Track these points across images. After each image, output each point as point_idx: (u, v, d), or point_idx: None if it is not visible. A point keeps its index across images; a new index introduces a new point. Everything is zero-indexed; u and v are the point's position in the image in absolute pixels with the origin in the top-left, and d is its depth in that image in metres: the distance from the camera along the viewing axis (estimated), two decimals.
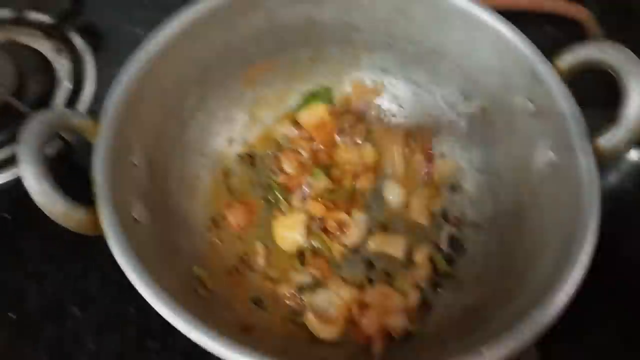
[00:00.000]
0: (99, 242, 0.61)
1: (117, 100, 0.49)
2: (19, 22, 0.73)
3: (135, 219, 0.48)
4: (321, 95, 0.66)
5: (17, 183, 0.64)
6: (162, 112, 0.55)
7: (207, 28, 0.56)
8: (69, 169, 0.67)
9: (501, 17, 0.54)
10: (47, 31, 0.75)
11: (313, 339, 0.53)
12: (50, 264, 0.61)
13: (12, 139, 0.67)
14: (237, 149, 0.64)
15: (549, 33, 0.80)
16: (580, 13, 0.80)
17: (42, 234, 0.63)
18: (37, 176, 0.43)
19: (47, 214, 0.44)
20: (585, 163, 0.48)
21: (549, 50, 0.53)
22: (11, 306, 0.59)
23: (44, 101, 0.70)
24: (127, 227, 0.45)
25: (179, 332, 0.41)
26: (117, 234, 0.44)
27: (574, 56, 0.51)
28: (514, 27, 0.54)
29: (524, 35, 0.53)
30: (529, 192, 0.53)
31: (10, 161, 0.66)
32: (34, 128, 0.45)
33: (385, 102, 0.67)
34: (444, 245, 0.59)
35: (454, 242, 0.58)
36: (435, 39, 0.59)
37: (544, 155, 0.52)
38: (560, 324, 0.42)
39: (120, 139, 0.49)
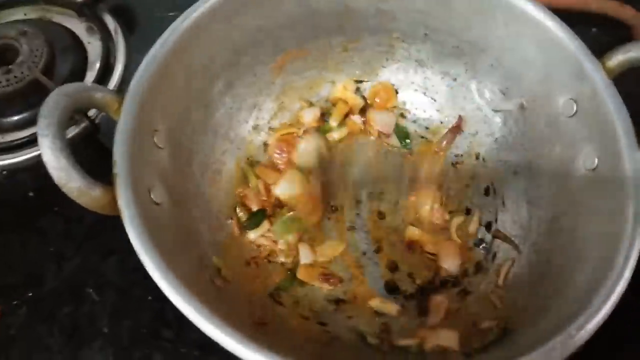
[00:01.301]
0: (119, 226, 0.61)
1: (142, 78, 0.48)
2: (53, 0, 0.73)
3: (155, 202, 0.47)
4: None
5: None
6: (189, 94, 0.54)
7: (240, 11, 0.55)
8: (95, 149, 0.66)
9: (548, 11, 0.51)
10: (79, 10, 0.74)
11: (330, 338, 0.51)
12: (71, 246, 0.60)
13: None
14: (263, 136, 0.63)
15: (595, 35, 0.76)
16: (628, 13, 0.76)
17: (64, 215, 0.62)
18: (54, 150, 0.42)
19: (62, 189, 0.43)
20: (633, 172, 0.44)
21: (596, 53, 0.50)
22: (29, 285, 0.58)
23: (73, 80, 0.69)
24: (145, 209, 0.44)
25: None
26: (133, 216, 0.42)
27: (624, 55, 0.48)
28: (561, 22, 0.51)
29: (571, 32, 0.50)
30: (569, 199, 0.50)
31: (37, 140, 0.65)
32: (55, 101, 0.43)
33: (419, 95, 0.64)
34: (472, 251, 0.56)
35: (485, 248, 0.55)
36: (476, 32, 0.56)
37: (586, 161, 0.49)
38: (597, 339, 0.39)
39: (144, 118, 0.47)
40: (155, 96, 0.49)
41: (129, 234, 0.42)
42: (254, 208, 0.58)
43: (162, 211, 0.47)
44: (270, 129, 0.63)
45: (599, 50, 0.50)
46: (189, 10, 0.52)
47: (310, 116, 0.64)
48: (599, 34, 0.76)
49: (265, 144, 0.62)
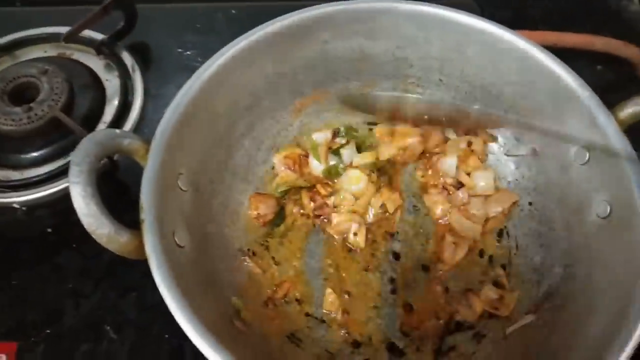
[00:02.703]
0: (137, 264, 0.62)
1: (168, 125, 0.49)
2: (71, 39, 0.74)
3: (178, 244, 0.48)
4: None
5: (62, 198, 0.66)
6: (211, 137, 0.55)
7: (261, 57, 0.56)
8: (114, 186, 0.67)
9: (561, 61, 0.53)
10: (98, 48, 0.76)
11: None
12: (89, 283, 0.61)
13: (59, 154, 0.68)
14: None
15: (600, 71, 0.78)
16: (632, 52, 0.77)
17: (82, 252, 0.63)
18: (85, 197, 0.43)
19: (92, 236, 0.44)
20: None
21: (601, 90, 0.51)
22: (48, 322, 0.58)
23: (92, 117, 0.71)
24: (170, 252, 0.45)
25: None
26: (160, 262, 0.43)
27: (635, 108, 0.49)
28: (574, 73, 0.52)
29: (584, 82, 0.52)
30: (582, 246, 0.51)
31: (56, 175, 0.66)
32: (86, 148, 0.45)
33: None
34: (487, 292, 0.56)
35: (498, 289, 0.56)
36: (489, 79, 0.58)
37: (599, 209, 0.50)
38: None
39: (169, 163, 0.49)
40: (180, 141, 0.50)
41: (156, 279, 0.43)
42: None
43: (184, 254, 0.48)
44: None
45: (605, 86, 0.52)
46: (212, 58, 0.54)
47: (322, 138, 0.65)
48: (604, 70, 0.78)
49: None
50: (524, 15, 0.86)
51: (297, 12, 0.57)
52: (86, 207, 0.43)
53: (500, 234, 0.60)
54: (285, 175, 0.63)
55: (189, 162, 0.52)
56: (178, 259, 0.46)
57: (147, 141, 0.49)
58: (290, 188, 0.63)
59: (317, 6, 0.57)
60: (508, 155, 0.61)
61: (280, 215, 0.62)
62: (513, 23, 0.79)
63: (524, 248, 0.58)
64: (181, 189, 0.51)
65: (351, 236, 0.60)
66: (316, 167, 0.64)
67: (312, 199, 0.62)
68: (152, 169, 0.47)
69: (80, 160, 0.44)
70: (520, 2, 0.88)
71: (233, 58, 0.54)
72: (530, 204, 0.59)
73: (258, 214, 0.60)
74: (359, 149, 0.65)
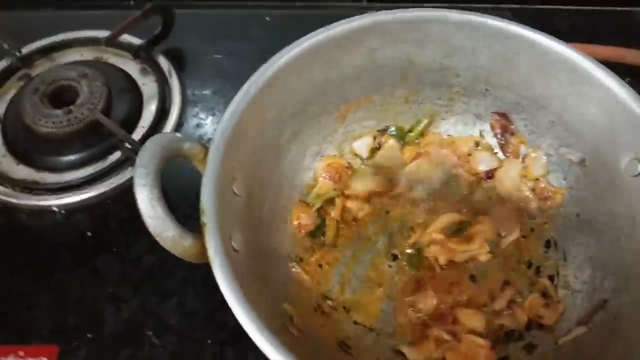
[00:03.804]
0: (176, 270, 0.62)
1: (225, 130, 0.49)
2: (111, 42, 0.74)
3: (235, 249, 0.48)
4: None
5: (101, 201, 0.65)
6: (261, 143, 0.55)
7: (310, 64, 0.57)
8: None
9: (612, 73, 0.53)
10: (136, 53, 0.76)
11: None
12: (128, 287, 0.61)
13: (98, 157, 0.68)
14: None
15: (629, 84, 0.78)
16: None
17: (121, 256, 0.63)
18: (152, 200, 0.43)
19: (156, 238, 0.44)
20: None
21: None
22: (88, 326, 0.58)
23: (130, 121, 0.71)
24: (230, 257, 0.45)
25: None
26: (223, 265, 0.43)
27: None
28: (625, 84, 0.53)
29: (636, 94, 0.52)
30: (633, 259, 0.51)
31: (95, 179, 0.66)
32: (152, 150, 0.45)
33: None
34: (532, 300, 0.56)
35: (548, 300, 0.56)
36: (537, 89, 0.58)
37: None
38: None
39: (226, 168, 0.48)
40: (234, 146, 0.50)
41: (219, 282, 0.43)
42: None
43: (240, 258, 0.48)
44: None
45: None
46: (265, 64, 0.54)
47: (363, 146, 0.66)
48: (632, 83, 0.79)
49: None
50: (551, 30, 0.87)
51: (345, 20, 0.57)
52: (152, 210, 0.43)
53: (548, 244, 0.60)
54: (323, 184, 0.63)
55: (242, 167, 0.52)
56: (236, 264, 0.46)
57: (205, 145, 0.49)
58: (329, 199, 0.62)
59: (367, 14, 0.57)
60: (556, 166, 0.61)
61: (321, 226, 0.61)
62: None
63: (572, 260, 0.58)
64: (235, 194, 0.51)
65: None
66: (357, 188, 0.63)
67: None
68: (212, 172, 0.47)
69: (147, 162, 0.44)
70: (547, 16, 0.89)
71: (285, 65, 0.54)
72: (577, 215, 0.59)
73: (299, 223, 0.60)
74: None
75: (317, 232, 0.61)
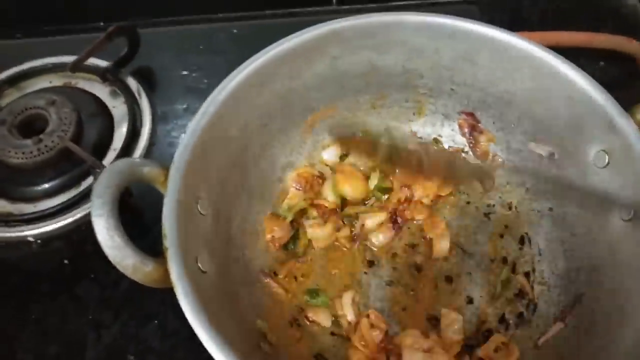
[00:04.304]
0: (155, 291, 0.61)
1: (185, 150, 0.49)
2: (77, 67, 0.74)
3: (202, 270, 0.47)
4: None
5: (76, 228, 0.65)
6: (226, 160, 0.55)
7: (272, 76, 0.56)
8: (129, 212, 0.66)
9: (574, 65, 0.53)
10: (103, 75, 0.76)
11: None
12: (109, 313, 0.60)
13: (71, 184, 0.68)
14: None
15: (603, 68, 0.78)
16: (634, 47, 0.77)
17: (99, 281, 0.62)
18: (109, 230, 0.43)
19: (117, 267, 0.44)
20: None
21: (606, 87, 0.51)
22: (70, 355, 0.58)
23: (102, 145, 0.71)
24: (195, 279, 0.44)
25: None
26: (186, 290, 0.43)
27: None
28: (587, 75, 0.52)
29: (599, 85, 0.51)
30: (607, 250, 0.51)
31: (70, 206, 0.66)
32: (107, 179, 0.44)
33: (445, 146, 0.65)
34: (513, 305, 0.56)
35: (524, 299, 0.56)
36: (503, 85, 0.58)
37: (622, 211, 0.49)
38: None
39: (188, 188, 0.48)
40: (197, 166, 0.50)
41: (183, 308, 0.43)
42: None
43: (208, 279, 0.48)
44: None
45: (608, 83, 0.52)
46: (224, 81, 0.53)
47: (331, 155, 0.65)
48: (606, 67, 0.78)
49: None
50: (521, 17, 0.87)
51: (305, 30, 0.56)
52: (110, 240, 0.43)
53: (522, 240, 0.59)
54: (294, 195, 0.62)
55: (206, 186, 0.52)
56: (203, 285, 0.46)
57: (166, 167, 0.49)
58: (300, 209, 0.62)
59: (325, 23, 0.57)
60: (525, 160, 0.60)
61: (294, 237, 0.61)
62: (511, 25, 0.79)
63: (547, 254, 0.57)
64: (201, 213, 0.50)
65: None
66: (329, 196, 0.63)
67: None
68: (173, 195, 0.47)
69: (102, 192, 0.43)
70: (517, 4, 0.89)
71: (246, 79, 0.54)
72: (550, 209, 0.58)
73: (273, 237, 0.60)
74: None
75: (290, 243, 0.60)
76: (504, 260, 0.59)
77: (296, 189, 0.62)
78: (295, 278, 0.59)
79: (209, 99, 0.52)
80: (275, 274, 0.58)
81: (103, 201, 0.43)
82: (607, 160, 0.51)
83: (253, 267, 0.57)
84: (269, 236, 0.60)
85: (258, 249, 0.59)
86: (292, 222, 0.61)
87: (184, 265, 0.44)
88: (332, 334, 0.56)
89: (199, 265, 0.47)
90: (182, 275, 0.43)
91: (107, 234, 0.43)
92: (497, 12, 0.86)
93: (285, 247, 0.60)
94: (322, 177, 0.64)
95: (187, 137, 0.50)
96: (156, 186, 0.49)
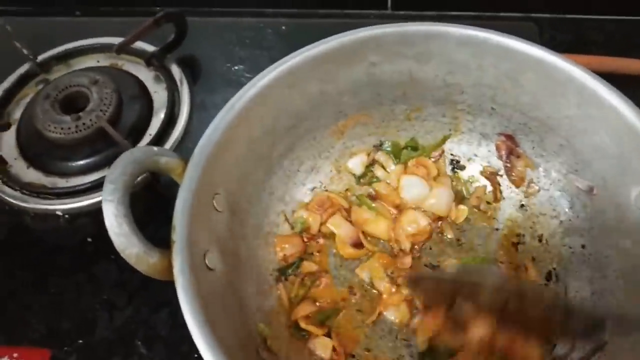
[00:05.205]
0: (172, 281, 0.61)
1: (206, 145, 0.48)
2: (123, 50, 0.75)
3: (209, 267, 0.47)
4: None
5: None
6: (250, 158, 0.54)
7: (305, 78, 0.55)
8: (154, 199, 0.67)
9: (624, 96, 0.49)
10: (148, 60, 0.77)
11: None
12: (123, 295, 0.61)
13: (105, 164, 0.69)
14: None
15: None
16: None
17: (119, 263, 0.62)
18: (117, 216, 0.43)
19: (121, 254, 0.44)
20: None
21: None
22: (81, 332, 0.59)
23: (138, 128, 0.72)
24: (199, 276, 0.44)
25: None
26: (186, 286, 0.42)
27: None
28: (637, 108, 0.48)
29: None
30: (637, 297, 0.47)
31: (100, 185, 0.66)
32: (122, 166, 0.45)
33: (478, 168, 0.63)
34: None
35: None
36: (546, 110, 0.55)
37: None
38: None
39: (206, 183, 0.48)
40: (218, 161, 0.49)
41: (181, 303, 0.42)
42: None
43: (214, 276, 0.47)
44: (326, 191, 0.63)
45: None
46: (255, 78, 0.53)
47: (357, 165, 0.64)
48: None
49: None
50: (585, 39, 0.82)
51: (344, 33, 0.55)
52: (118, 226, 0.43)
53: (548, 276, 0.56)
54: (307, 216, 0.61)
55: (226, 182, 0.51)
56: (207, 283, 0.45)
57: (185, 160, 0.48)
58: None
59: (365, 28, 0.55)
60: (562, 192, 0.57)
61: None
62: (573, 46, 0.76)
63: (574, 294, 0.54)
64: (217, 210, 0.50)
65: None
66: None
67: None
68: (188, 188, 0.46)
69: (115, 178, 0.43)
70: (581, 25, 0.84)
71: (276, 79, 0.53)
72: (583, 246, 0.54)
73: (284, 255, 0.58)
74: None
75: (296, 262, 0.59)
76: None
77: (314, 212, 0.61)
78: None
79: (237, 95, 0.52)
80: (286, 278, 0.57)
81: (115, 187, 0.43)
82: None
83: (264, 269, 0.56)
84: (280, 254, 0.58)
85: (272, 251, 0.58)
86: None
87: (189, 260, 0.43)
88: (334, 349, 0.54)
89: (206, 261, 0.47)
90: (185, 270, 0.43)
91: (115, 221, 0.43)
92: (557, 32, 0.82)
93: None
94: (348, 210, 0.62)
95: (209, 131, 0.49)
96: (174, 177, 0.49)
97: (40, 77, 0.78)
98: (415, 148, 0.63)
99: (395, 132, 0.63)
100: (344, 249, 0.59)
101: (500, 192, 0.61)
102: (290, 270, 0.58)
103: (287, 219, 0.60)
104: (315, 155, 0.62)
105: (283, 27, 0.83)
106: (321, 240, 0.60)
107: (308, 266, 0.58)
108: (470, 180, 0.62)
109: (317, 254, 0.60)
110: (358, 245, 0.59)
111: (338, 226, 0.60)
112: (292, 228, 0.60)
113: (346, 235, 0.60)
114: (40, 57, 0.78)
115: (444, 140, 0.63)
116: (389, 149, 0.63)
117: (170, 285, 0.60)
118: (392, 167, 0.62)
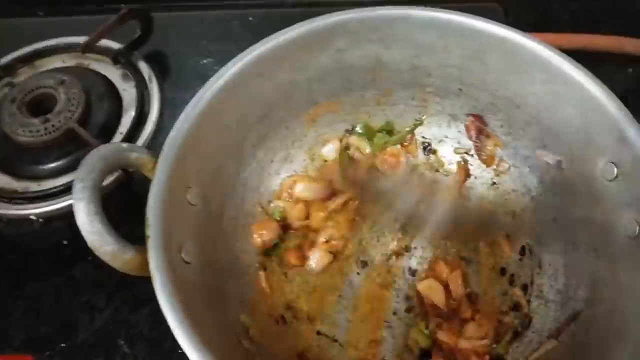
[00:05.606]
0: (150, 278, 0.61)
1: (176, 138, 0.48)
2: (88, 48, 0.74)
3: (185, 261, 0.47)
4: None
5: None
6: (222, 150, 0.54)
7: (273, 66, 0.55)
8: (129, 198, 0.66)
9: (588, 72, 0.50)
10: (115, 58, 0.76)
11: None
12: (103, 296, 0.60)
13: (76, 165, 0.67)
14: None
15: (631, 75, 0.74)
16: None
17: (96, 264, 0.62)
18: (89, 215, 0.42)
19: (95, 253, 0.44)
20: None
21: (633, 94, 0.48)
22: (62, 335, 0.58)
23: (109, 127, 0.71)
24: (176, 270, 0.44)
25: None
26: (163, 281, 0.42)
27: None
28: (601, 83, 0.49)
29: (612, 93, 0.48)
30: (609, 267, 0.48)
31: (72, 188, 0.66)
32: (91, 164, 0.44)
33: (451, 149, 0.63)
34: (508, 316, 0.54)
35: (519, 312, 0.54)
36: (512, 88, 0.55)
37: (628, 228, 0.46)
38: None
39: (178, 177, 0.47)
40: (189, 154, 0.49)
41: (159, 298, 0.42)
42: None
43: (191, 270, 0.47)
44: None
45: (636, 90, 0.48)
46: (222, 69, 0.52)
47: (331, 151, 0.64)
48: (635, 73, 0.74)
49: None
50: (550, 18, 0.83)
51: (310, 20, 0.55)
52: (89, 225, 0.42)
53: (522, 251, 0.57)
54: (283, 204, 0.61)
55: (198, 175, 0.51)
56: (184, 277, 0.45)
57: (156, 154, 0.48)
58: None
59: (330, 14, 0.55)
60: (531, 168, 0.58)
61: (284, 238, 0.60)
62: (539, 26, 0.77)
63: (547, 267, 0.55)
64: (190, 203, 0.50)
65: None
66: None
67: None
68: (159, 183, 0.46)
69: (84, 177, 0.43)
70: (546, 4, 0.85)
71: (244, 69, 0.53)
72: (554, 220, 0.56)
73: (263, 241, 0.58)
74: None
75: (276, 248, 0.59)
76: (502, 270, 0.56)
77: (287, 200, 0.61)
78: (286, 274, 0.58)
79: (205, 86, 0.51)
80: (265, 268, 0.57)
81: (84, 185, 0.43)
82: (615, 173, 0.48)
83: (243, 260, 0.56)
84: (258, 240, 0.58)
85: (249, 242, 0.58)
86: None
87: (164, 255, 0.43)
88: (319, 333, 0.54)
89: (183, 255, 0.47)
90: (161, 265, 0.43)
91: (86, 219, 0.42)
92: (522, 12, 0.83)
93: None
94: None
95: (178, 124, 0.49)
96: (146, 174, 0.49)
97: (4, 80, 0.76)
98: (390, 132, 0.64)
99: (367, 118, 0.63)
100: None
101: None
102: (273, 252, 0.58)
103: (263, 209, 0.60)
104: (288, 144, 0.62)
105: (250, 18, 0.83)
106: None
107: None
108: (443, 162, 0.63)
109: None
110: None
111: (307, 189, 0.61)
112: (272, 215, 0.60)
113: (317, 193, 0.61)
114: (3, 60, 0.77)
115: (418, 124, 0.64)
116: (361, 131, 0.63)
117: (148, 283, 0.60)
118: (367, 149, 0.62)
